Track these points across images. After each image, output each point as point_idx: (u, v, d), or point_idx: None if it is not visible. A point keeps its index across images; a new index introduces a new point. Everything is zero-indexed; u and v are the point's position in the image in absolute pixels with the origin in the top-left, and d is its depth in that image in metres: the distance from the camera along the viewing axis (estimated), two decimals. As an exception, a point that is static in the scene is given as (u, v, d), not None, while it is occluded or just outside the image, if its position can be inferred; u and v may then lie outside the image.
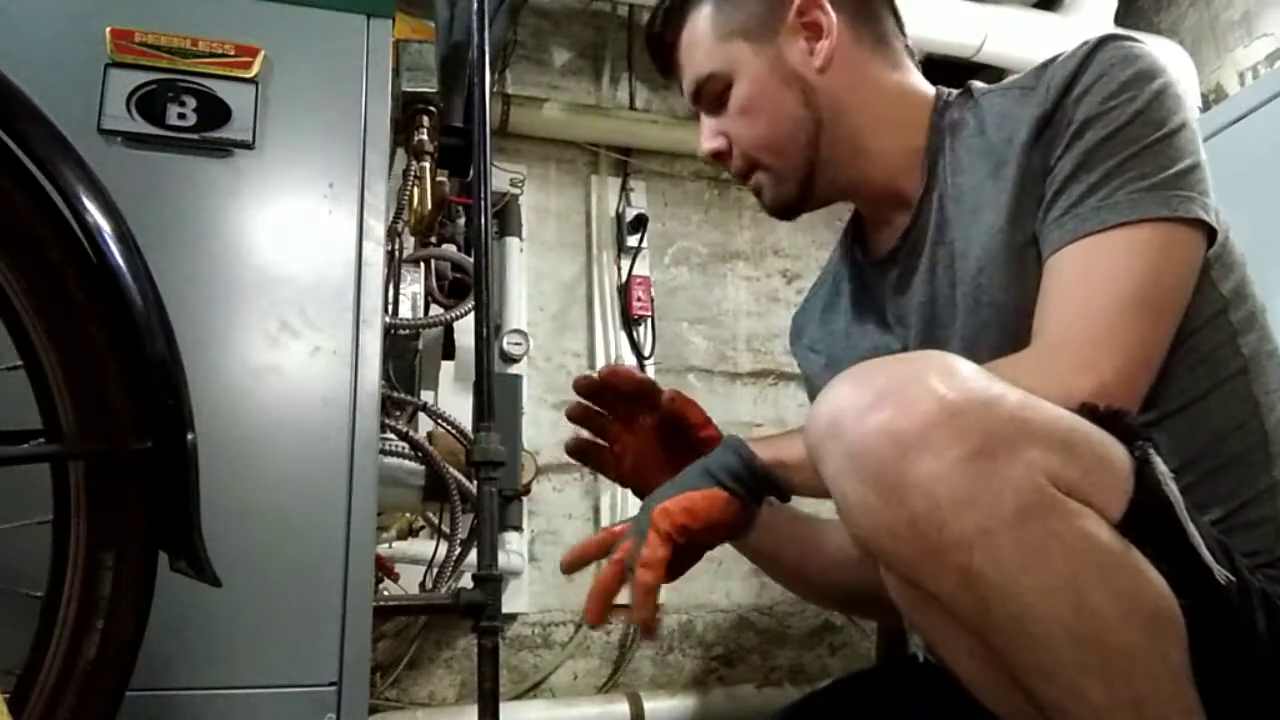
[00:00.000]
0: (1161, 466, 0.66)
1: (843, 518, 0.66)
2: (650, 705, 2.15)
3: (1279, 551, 0.79)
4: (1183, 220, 0.78)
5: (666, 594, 2.38)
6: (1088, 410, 0.68)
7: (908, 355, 0.68)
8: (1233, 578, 0.65)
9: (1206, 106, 2.48)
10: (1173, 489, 0.65)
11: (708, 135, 0.99)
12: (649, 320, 2.53)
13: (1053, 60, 0.88)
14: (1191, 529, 0.65)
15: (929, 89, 0.98)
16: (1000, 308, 0.85)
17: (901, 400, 0.62)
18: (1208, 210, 0.80)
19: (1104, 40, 0.85)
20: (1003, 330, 0.84)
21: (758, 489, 0.82)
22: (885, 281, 0.98)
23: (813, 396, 1.09)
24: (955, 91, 0.97)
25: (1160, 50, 2.76)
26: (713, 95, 0.97)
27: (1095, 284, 0.78)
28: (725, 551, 1.04)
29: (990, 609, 0.61)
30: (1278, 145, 1.81)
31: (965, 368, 0.65)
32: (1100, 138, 0.81)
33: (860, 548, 0.68)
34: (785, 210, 1.00)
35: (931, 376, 0.63)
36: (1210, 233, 0.81)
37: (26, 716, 0.70)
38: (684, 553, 0.80)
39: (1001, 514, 0.59)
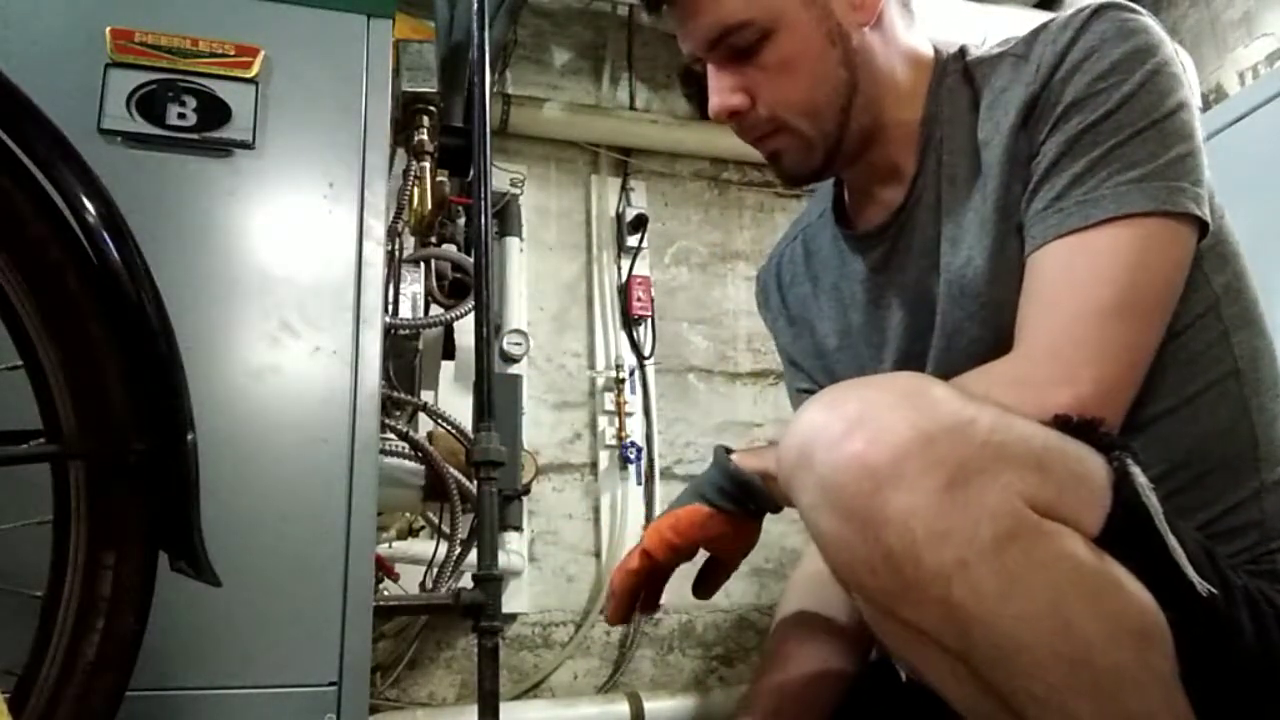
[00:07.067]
0: (1141, 477, 0.64)
1: (819, 550, 0.65)
2: (650, 705, 2.15)
3: (1260, 549, 0.77)
4: (1171, 214, 0.74)
5: (668, 595, 2.37)
6: (1062, 422, 0.66)
7: (879, 378, 0.66)
8: (1215, 590, 0.63)
9: (1206, 106, 2.48)
10: (1153, 500, 0.63)
11: (727, 89, 0.86)
12: (649, 320, 2.52)
13: (1047, 25, 0.82)
14: (1172, 541, 0.63)
15: (930, 51, 0.92)
16: (984, 302, 0.81)
17: (874, 430, 0.60)
18: (1199, 201, 0.75)
19: (1101, 9, 0.79)
20: (984, 324, 0.81)
21: (743, 498, 0.84)
22: (868, 258, 0.93)
23: (789, 366, 1.08)
24: (951, 53, 0.92)
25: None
26: (740, 46, 0.84)
27: (1076, 288, 0.74)
28: (725, 551, 1.04)
29: (973, 638, 0.60)
30: (1278, 145, 1.81)
31: (938, 390, 0.63)
32: (1086, 124, 0.76)
33: (838, 580, 0.67)
34: (803, 178, 0.92)
35: (903, 403, 0.61)
36: (1202, 226, 0.76)
37: (26, 716, 0.70)
38: (714, 568, 0.92)
39: (979, 544, 0.58)
